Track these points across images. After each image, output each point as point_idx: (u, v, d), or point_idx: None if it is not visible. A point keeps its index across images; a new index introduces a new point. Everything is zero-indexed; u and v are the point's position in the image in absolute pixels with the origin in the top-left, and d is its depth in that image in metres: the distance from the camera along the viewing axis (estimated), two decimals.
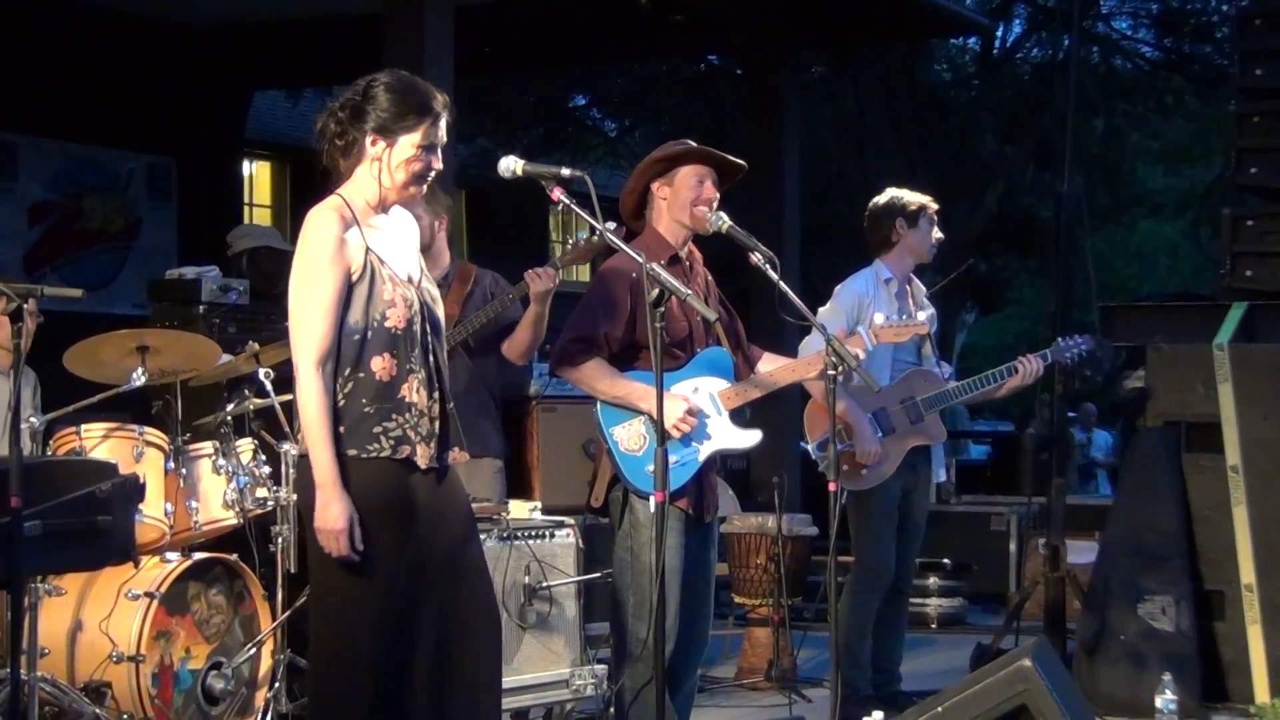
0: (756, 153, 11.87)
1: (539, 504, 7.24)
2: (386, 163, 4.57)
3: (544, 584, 6.80)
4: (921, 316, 7.11)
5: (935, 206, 7.48)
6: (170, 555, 6.44)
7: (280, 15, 13.27)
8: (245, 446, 6.74)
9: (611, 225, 5.10)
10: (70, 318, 6.62)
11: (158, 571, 6.30)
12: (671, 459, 5.44)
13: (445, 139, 4.64)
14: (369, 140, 4.57)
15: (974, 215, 20.51)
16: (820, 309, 7.24)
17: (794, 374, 5.92)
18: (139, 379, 6.33)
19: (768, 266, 5.45)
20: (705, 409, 5.63)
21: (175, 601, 6.32)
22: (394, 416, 4.55)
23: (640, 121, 21.79)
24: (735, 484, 10.76)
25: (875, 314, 6.77)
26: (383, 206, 4.67)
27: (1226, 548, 7.73)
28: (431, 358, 4.64)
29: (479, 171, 17.00)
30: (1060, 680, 5.59)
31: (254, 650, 6.53)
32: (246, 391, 6.93)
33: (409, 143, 4.55)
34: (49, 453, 6.28)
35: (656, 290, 4.77)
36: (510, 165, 4.88)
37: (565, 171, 4.88)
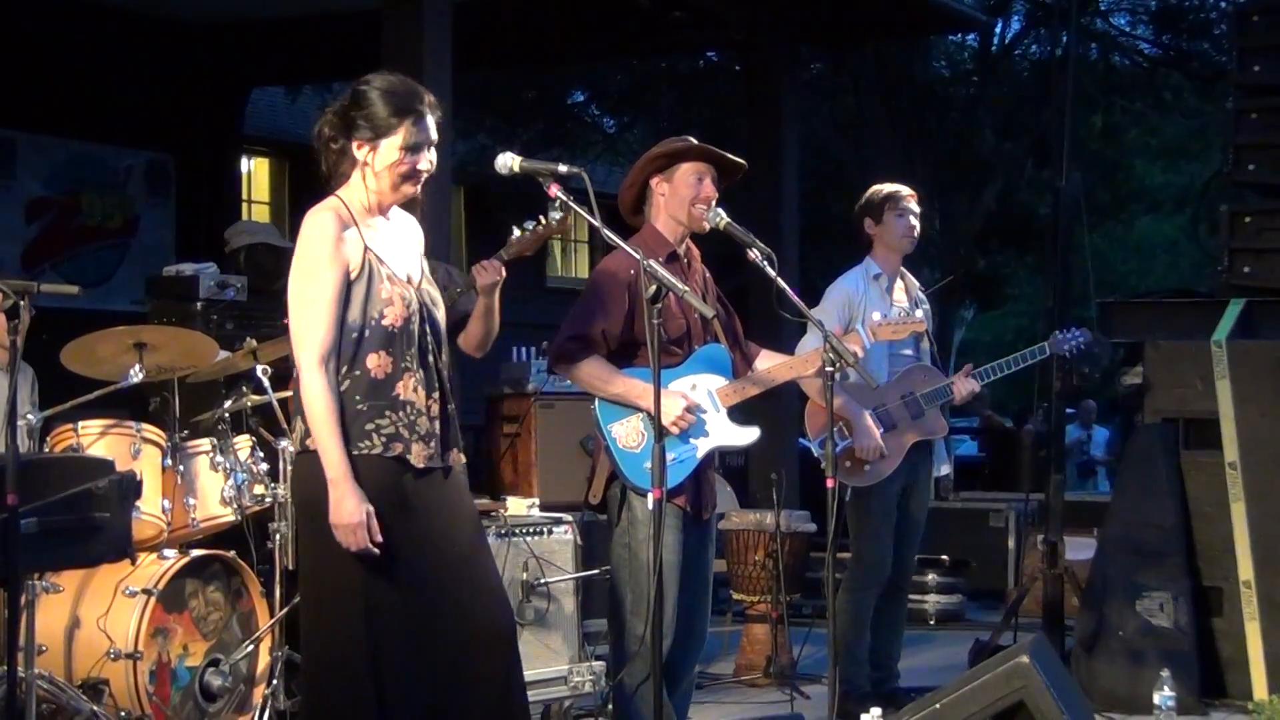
0: (755, 149, 11.87)
1: (537, 500, 7.25)
2: (373, 167, 4.59)
3: (542, 580, 6.80)
4: (918, 313, 7.13)
5: (906, 193, 7.45)
6: (168, 552, 6.44)
7: (279, 12, 13.26)
8: (243, 443, 6.74)
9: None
10: (68, 314, 6.61)
11: (155, 568, 6.30)
12: (670, 456, 5.44)
13: (435, 137, 4.63)
14: (355, 145, 4.59)
15: (972, 212, 20.51)
16: (814, 309, 7.25)
17: (792, 371, 5.92)
18: (136, 376, 6.33)
19: (766, 263, 5.45)
20: (703, 406, 5.63)
21: (173, 599, 6.32)
22: (387, 414, 4.55)
23: (639, 118, 21.78)
24: (733, 481, 10.77)
25: (874, 312, 6.78)
26: (380, 209, 4.67)
27: (1225, 544, 7.74)
28: (430, 358, 4.64)
29: (477, 168, 16.99)
30: (1058, 677, 5.59)
31: (252, 647, 6.53)
32: (244, 388, 6.93)
33: (392, 146, 4.56)
34: (46, 449, 6.28)
35: (654, 287, 4.77)
36: (507, 162, 4.88)
37: (562, 168, 4.88)
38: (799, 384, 6.45)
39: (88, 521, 5.61)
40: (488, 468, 9.88)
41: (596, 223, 4.83)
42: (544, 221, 5.79)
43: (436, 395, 4.64)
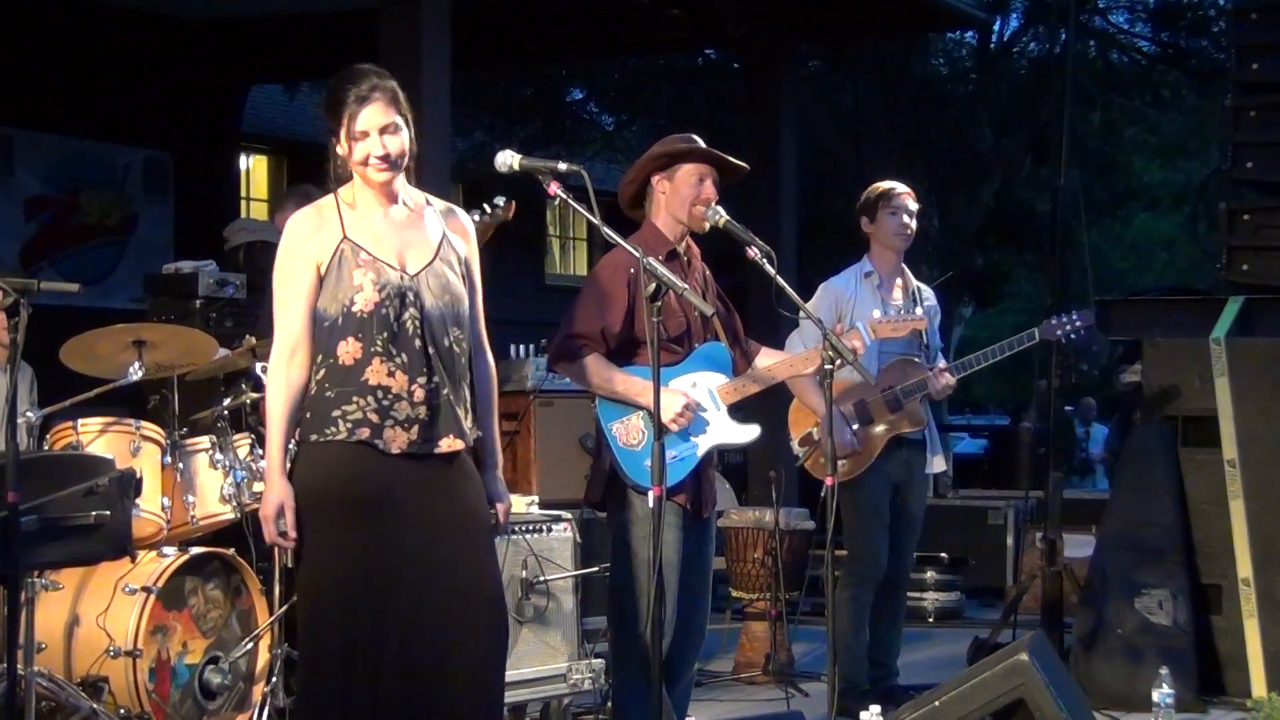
0: (753, 147, 11.86)
1: (536, 498, 7.25)
2: (347, 156, 4.63)
3: (541, 578, 6.80)
4: (918, 311, 7.13)
5: (901, 191, 7.45)
6: (167, 550, 6.43)
7: (277, 9, 13.24)
8: (242, 441, 6.74)
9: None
10: (67, 312, 6.61)
11: (155, 566, 6.30)
12: (670, 454, 5.45)
13: (382, 120, 4.57)
14: (334, 141, 4.65)
15: (971, 209, 20.49)
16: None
17: (792, 369, 5.93)
18: (136, 373, 6.33)
19: (765, 261, 5.46)
20: (704, 404, 5.64)
21: (172, 596, 6.32)
22: (354, 399, 4.54)
23: (637, 116, 21.75)
24: (732, 478, 10.77)
25: (873, 310, 6.79)
26: (379, 198, 4.67)
27: (1223, 542, 7.74)
28: (420, 343, 4.58)
29: (476, 165, 16.98)
30: (1057, 674, 5.59)
31: (251, 645, 6.52)
32: (243, 386, 6.93)
33: (345, 136, 4.59)
34: (45, 447, 6.28)
35: (654, 285, 4.77)
36: (507, 160, 4.89)
37: (562, 166, 4.88)
38: (786, 383, 6.45)
39: (87, 519, 5.63)
40: None
41: (596, 220, 4.83)
42: (489, 212, 5.81)
43: (424, 380, 4.58)
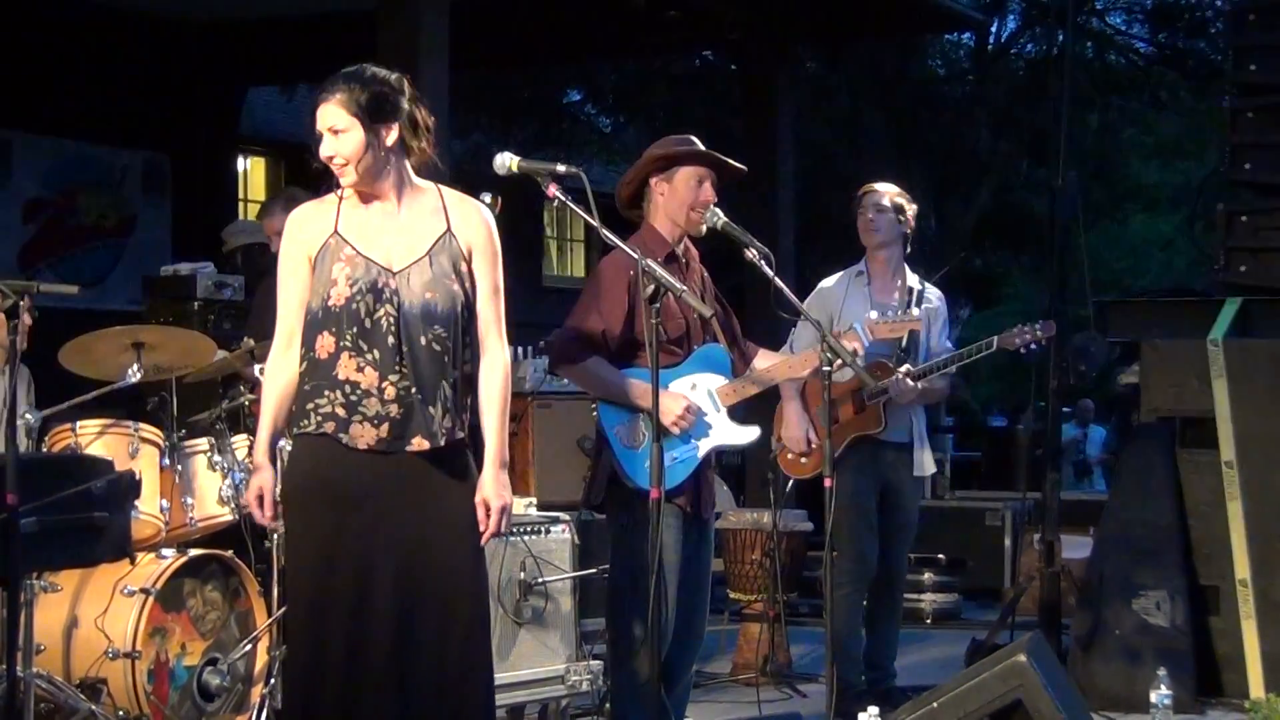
0: (751, 148, 11.88)
1: (534, 500, 7.25)
2: None
3: (539, 580, 6.80)
4: (915, 311, 7.13)
5: (875, 189, 7.47)
6: (166, 552, 6.43)
7: (275, 11, 13.25)
8: (240, 443, 6.74)
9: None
10: (65, 314, 6.61)
11: (153, 568, 6.30)
12: (671, 456, 5.46)
13: (325, 124, 4.58)
14: None
15: (968, 210, 20.50)
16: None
17: (791, 370, 5.94)
18: (134, 375, 6.33)
19: (763, 263, 5.46)
20: (703, 406, 5.64)
21: (171, 598, 6.32)
22: (325, 393, 4.56)
23: (634, 117, 21.76)
24: (730, 480, 10.78)
25: (863, 311, 6.79)
26: (381, 192, 4.68)
27: (1221, 543, 7.74)
28: (393, 339, 4.55)
29: (473, 167, 16.98)
30: (1055, 676, 5.60)
31: (249, 646, 6.53)
32: (241, 387, 6.93)
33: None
34: (44, 449, 6.28)
35: (652, 287, 4.78)
36: (505, 162, 4.89)
37: (561, 168, 4.89)
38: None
39: (87, 521, 5.63)
40: None
41: (595, 222, 4.84)
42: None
43: (395, 378, 4.55)
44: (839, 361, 5.51)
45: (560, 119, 21.26)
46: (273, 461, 4.71)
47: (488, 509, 4.67)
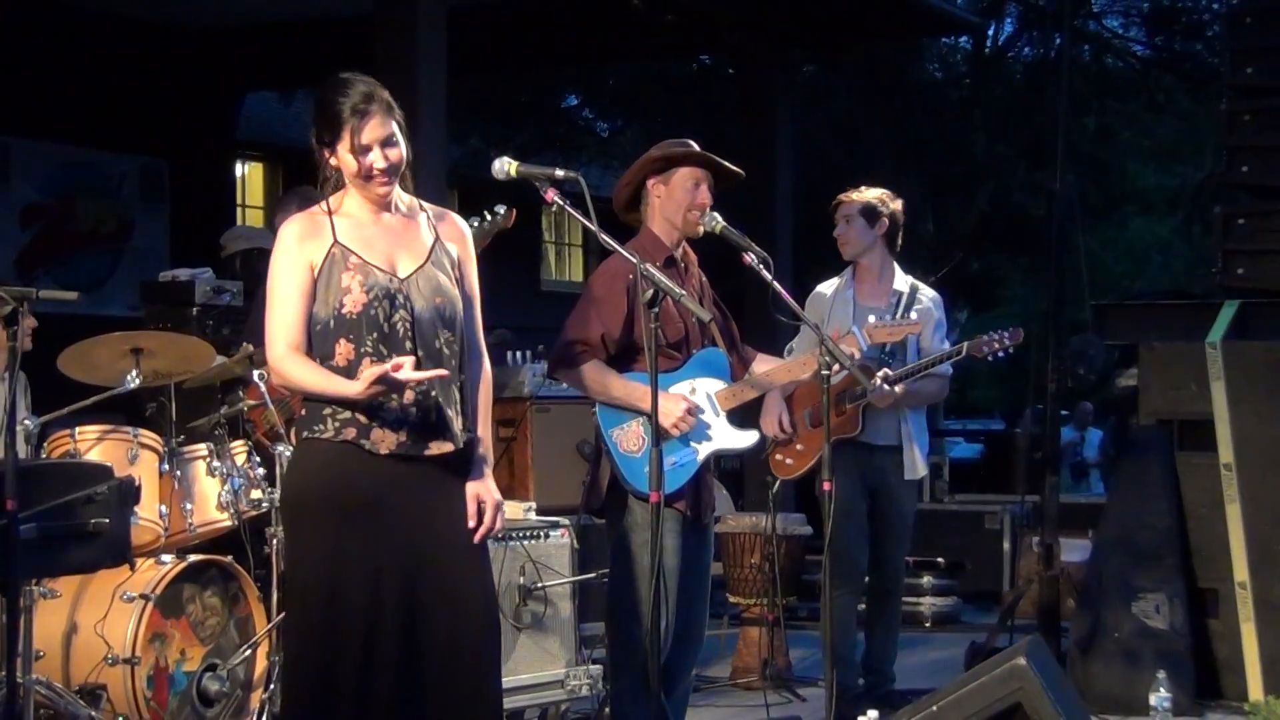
0: (749, 152, 11.87)
1: (533, 504, 7.25)
2: (344, 168, 4.62)
3: (539, 584, 6.81)
4: (914, 316, 7.13)
5: (838, 200, 7.50)
6: (165, 557, 6.44)
7: (272, 16, 13.26)
8: (239, 448, 6.74)
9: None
10: (63, 320, 6.61)
11: (152, 574, 6.30)
12: (670, 460, 5.46)
13: (386, 130, 4.56)
14: (325, 153, 4.64)
15: (966, 214, 20.50)
16: None
17: (790, 374, 5.94)
18: (133, 381, 6.34)
19: (761, 267, 5.46)
20: (703, 409, 5.64)
21: (170, 604, 6.32)
22: None
23: (632, 122, 21.76)
24: (729, 484, 10.77)
25: (846, 315, 6.80)
26: (377, 203, 4.67)
27: (1220, 545, 7.75)
28: (410, 345, 4.56)
29: (471, 171, 16.98)
30: (1055, 679, 5.59)
31: (249, 652, 6.53)
32: (240, 393, 6.93)
33: (344, 150, 4.58)
34: (43, 455, 6.28)
35: (651, 291, 4.78)
36: (504, 166, 4.89)
37: (559, 173, 4.89)
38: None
39: (86, 527, 5.64)
40: None
41: (594, 227, 4.84)
42: (490, 220, 5.82)
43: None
44: (837, 365, 5.50)
45: (558, 123, 21.26)
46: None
47: (482, 505, 4.67)
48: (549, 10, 12.89)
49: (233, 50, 13.91)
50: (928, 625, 10.49)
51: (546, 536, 6.94)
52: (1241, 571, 7.68)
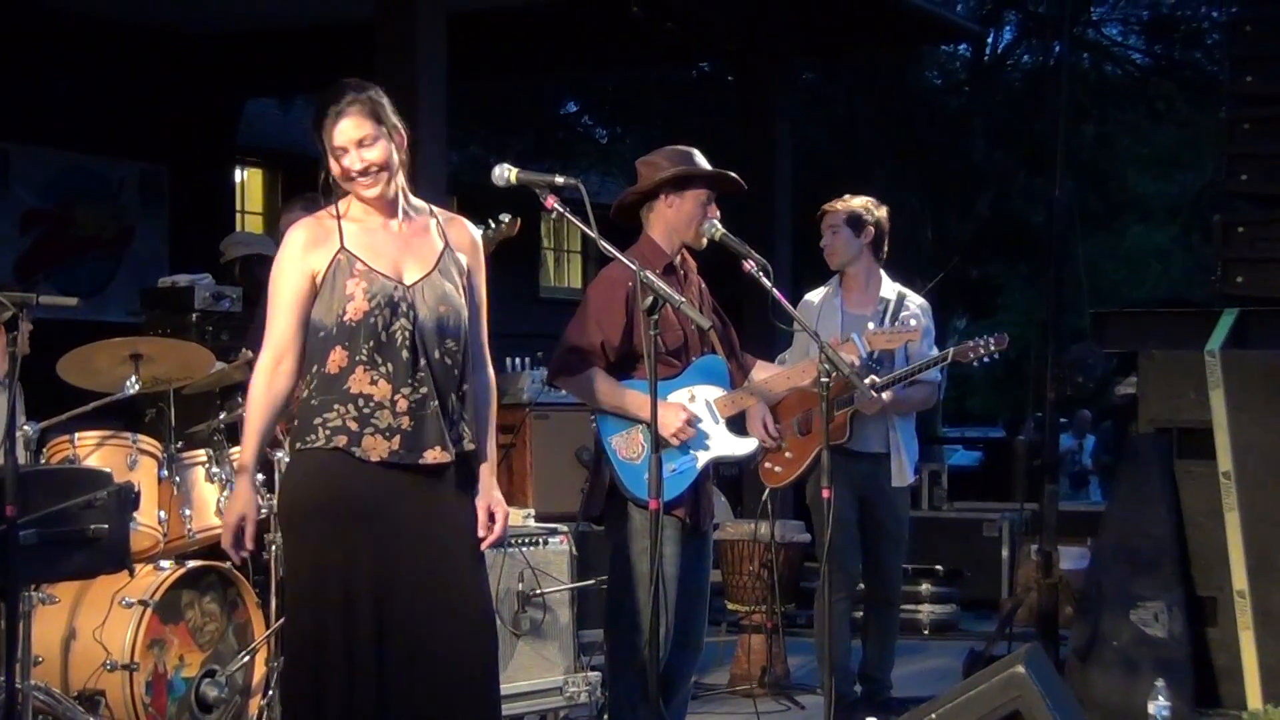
0: (748, 160, 11.89)
1: (532, 511, 7.26)
2: (332, 172, 4.65)
3: (538, 591, 6.81)
4: (913, 322, 7.13)
5: (822, 211, 7.53)
6: (164, 563, 6.44)
7: (272, 23, 13.27)
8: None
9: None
10: (63, 325, 6.61)
11: (151, 579, 6.30)
12: (670, 467, 5.46)
13: (362, 131, 4.58)
14: (325, 159, 4.67)
15: (965, 221, 20.50)
16: None
17: (789, 381, 5.95)
18: (132, 387, 6.34)
19: (761, 274, 5.47)
20: (702, 417, 5.65)
21: (169, 609, 6.32)
22: (335, 407, 4.54)
23: (631, 129, 21.76)
24: (727, 491, 10.78)
25: (833, 322, 6.81)
26: (384, 207, 4.67)
27: (1219, 553, 7.74)
28: (408, 353, 4.56)
29: (470, 178, 16.99)
30: (1053, 686, 5.60)
31: (247, 658, 6.53)
32: (240, 399, 6.91)
33: (329, 152, 4.62)
34: (43, 461, 6.28)
35: (651, 298, 4.78)
36: (504, 173, 4.89)
37: (559, 179, 4.89)
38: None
39: (85, 533, 5.64)
40: None
41: (593, 234, 4.84)
42: (494, 228, 5.83)
43: (408, 391, 4.55)
44: (836, 373, 5.51)
45: (557, 130, 21.26)
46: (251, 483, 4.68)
47: (491, 515, 4.69)
48: (548, 17, 12.90)
49: (233, 56, 13.91)
50: (926, 633, 10.49)
51: (545, 543, 6.94)
52: (1240, 580, 7.67)
